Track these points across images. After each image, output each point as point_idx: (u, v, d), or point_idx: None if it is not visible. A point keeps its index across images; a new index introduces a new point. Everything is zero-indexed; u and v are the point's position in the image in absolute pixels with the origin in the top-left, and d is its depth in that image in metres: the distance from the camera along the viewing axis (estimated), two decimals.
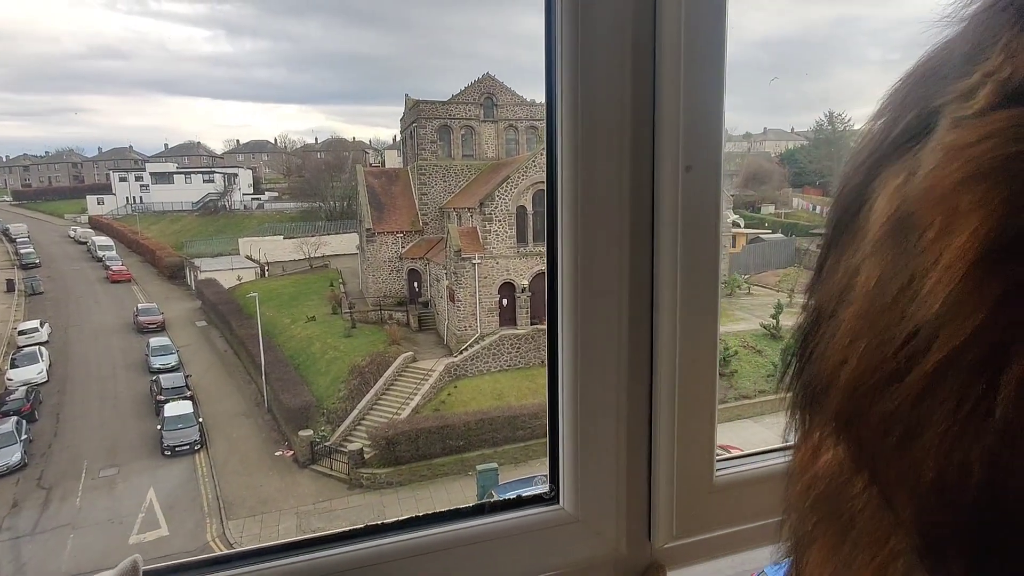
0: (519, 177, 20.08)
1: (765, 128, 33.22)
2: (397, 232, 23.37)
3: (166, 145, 37.36)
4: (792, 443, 0.70)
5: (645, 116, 1.02)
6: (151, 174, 33.84)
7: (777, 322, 18.19)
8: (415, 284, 22.94)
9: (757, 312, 19.72)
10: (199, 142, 38.21)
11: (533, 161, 20.01)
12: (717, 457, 1.13)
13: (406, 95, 24.90)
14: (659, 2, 0.99)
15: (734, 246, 23.89)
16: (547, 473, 1.14)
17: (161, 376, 18.03)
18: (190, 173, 34.26)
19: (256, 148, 39.21)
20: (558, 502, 1.10)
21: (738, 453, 1.19)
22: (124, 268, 26.67)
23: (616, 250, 1.02)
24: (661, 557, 1.14)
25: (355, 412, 16.96)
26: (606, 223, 1.02)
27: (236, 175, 34.26)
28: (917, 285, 0.40)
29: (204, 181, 33.64)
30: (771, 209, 28.68)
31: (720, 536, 1.15)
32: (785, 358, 0.67)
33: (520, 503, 1.10)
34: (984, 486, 0.38)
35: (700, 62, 1.00)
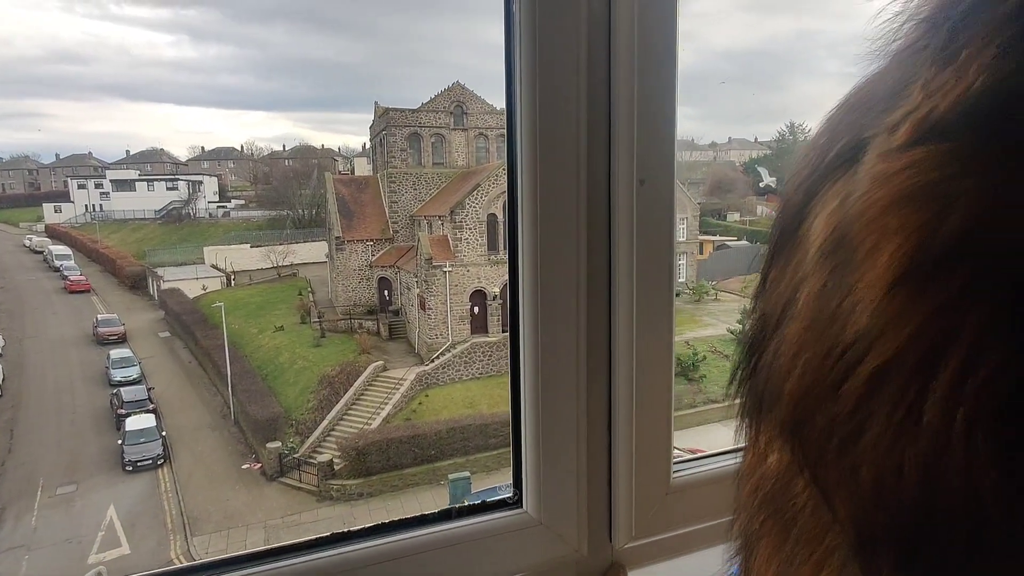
0: (489, 185, 20.15)
1: (730, 138, 34.03)
2: (367, 240, 23.19)
3: (127, 152, 36.37)
4: (742, 446, 0.76)
5: (602, 131, 1.06)
6: (112, 181, 32.91)
7: (744, 327, 18.59)
8: (385, 292, 22.77)
9: (723, 318, 20.13)
10: (162, 149, 37.33)
11: (503, 169, 20.08)
12: (674, 459, 1.18)
13: (375, 102, 24.81)
14: (613, 20, 1.04)
15: (701, 253, 24.36)
16: (511, 481, 1.17)
17: (122, 389, 17.49)
18: (153, 180, 33.41)
19: (222, 155, 38.46)
20: (521, 506, 1.12)
21: (693, 455, 1.23)
22: (83, 278, 25.84)
23: (575, 261, 1.06)
24: (622, 557, 1.18)
25: (325, 423, 16.72)
26: (565, 235, 1.06)
27: (201, 182, 33.54)
28: (851, 300, 0.45)
29: (167, 189, 32.84)
30: (736, 216, 29.36)
31: (678, 536, 1.20)
32: (733, 365, 0.72)
33: (485, 508, 1.13)
34: (915, 487, 0.42)
35: (652, 80, 1.05)
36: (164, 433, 16.00)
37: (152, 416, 16.52)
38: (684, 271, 22.40)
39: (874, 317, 0.43)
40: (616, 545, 1.17)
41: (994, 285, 0.39)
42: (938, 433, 0.40)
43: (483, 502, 1.12)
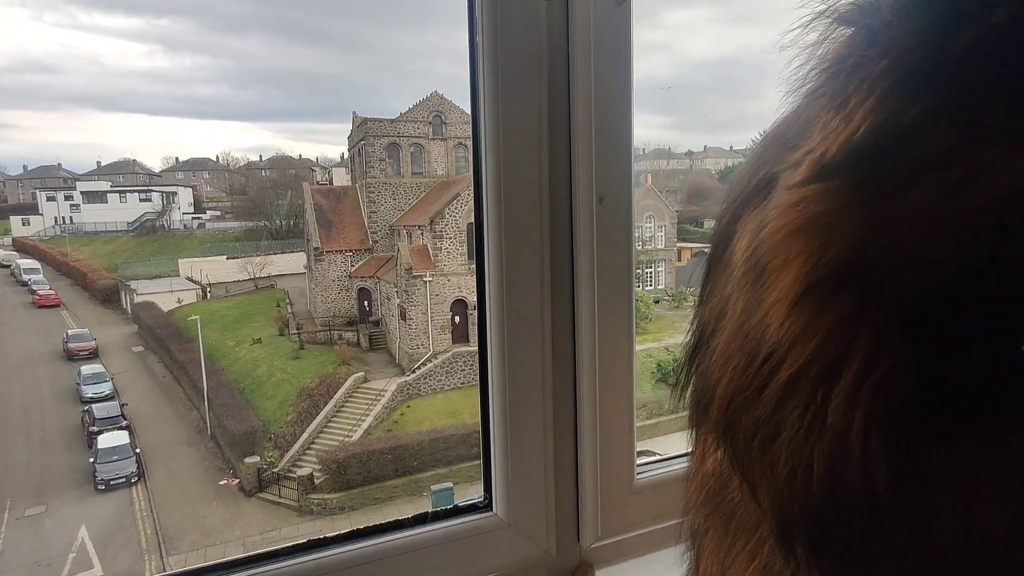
0: (469, 194, 20.18)
1: (705, 146, 34.58)
2: (346, 251, 23.05)
3: (99, 163, 35.67)
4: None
5: (563, 151, 1.13)
6: (82, 193, 32.21)
7: (687, 336, 18.82)
8: (365, 303, 22.62)
9: None
10: (135, 159, 36.64)
11: None
12: (637, 462, 1.24)
13: (353, 113, 24.75)
14: (571, 43, 1.10)
15: (680, 260, 24.67)
16: (482, 486, 1.22)
17: (94, 406, 17.06)
18: (125, 192, 32.78)
19: (197, 166, 37.92)
20: (492, 509, 1.17)
21: (656, 457, 1.30)
22: (52, 292, 25.22)
23: (539, 274, 1.12)
24: (590, 557, 1.23)
25: (304, 436, 16.50)
26: (529, 249, 1.11)
27: (175, 193, 33.00)
28: (765, 316, 0.52)
29: (140, 200, 32.23)
30: (714, 223, 29.70)
31: (643, 534, 1.25)
32: (678, 372, 0.79)
33: (458, 511, 1.17)
34: (822, 481, 0.48)
35: (609, 102, 1.11)
36: (138, 450, 15.65)
37: (125, 433, 16.13)
38: (663, 278, 22.64)
39: (783, 331, 0.50)
40: (584, 545, 1.22)
41: (883, 301, 0.46)
42: (840, 433, 0.46)
43: (455, 506, 1.17)
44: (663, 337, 18.81)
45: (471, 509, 1.17)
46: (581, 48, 1.08)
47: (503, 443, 1.14)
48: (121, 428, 16.32)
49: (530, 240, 1.10)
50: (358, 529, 1.11)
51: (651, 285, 21.59)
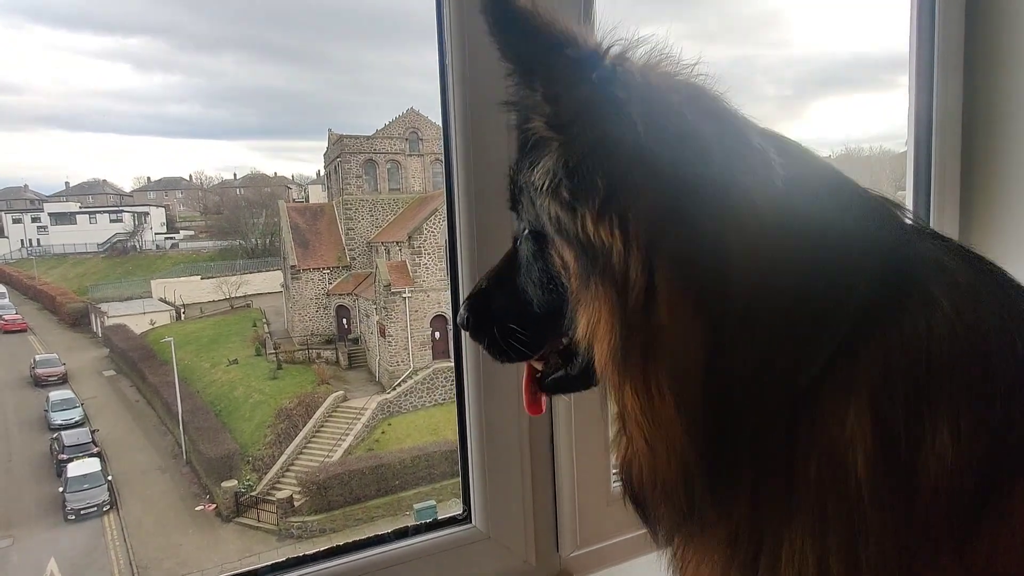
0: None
1: None
2: (323, 268, 22.85)
3: (67, 184, 34.93)
4: None
5: None
6: (50, 215, 31.48)
7: None
8: (344, 321, 22.40)
9: None
10: (105, 180, 35.98)
11: None
12: (613, 471, 1.26)
13: (329, 130, 24.68)
14: None
15: None
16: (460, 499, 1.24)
17: (63, 433, 16.55)
18: (95, 213, 32.12)
19: (169, 185, 37.37)
20: (471, 521, 1.19)
21: None
22: (18, 317, 24.51)
23: None
24: (569, 566, 1.25)
25: (283, 458, 16.21)
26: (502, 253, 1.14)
27: (147, 214, 32.46)
28: None
29: (111, 221, 31.62)
30: None
31: (620, 542, 1.28)
32: None
33: (438, 525, 1.19)
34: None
35: None
36: (110, 478, 15.19)
37: (96, 460, 15.65)
38: None
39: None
40: (563, 554, 1.24)
41: None
42: None
43: (435, 520, 1.18)
44: None
45: (451, 522, 1.18)
46: None
47: (480, 456, 1.16)
48: (92, 455, 15.84)
49: (502, 246, 1.13)
50: (339, 545, 1.12)
51: None
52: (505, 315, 0.83)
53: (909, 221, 0.74)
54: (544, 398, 0.89)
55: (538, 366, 0.87)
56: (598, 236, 0.65)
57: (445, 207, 1.17)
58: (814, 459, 0.62)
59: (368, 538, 1.13)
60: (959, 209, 1.69)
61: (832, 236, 0.67)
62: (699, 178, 0.64)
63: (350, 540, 1.13)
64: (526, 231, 0.78)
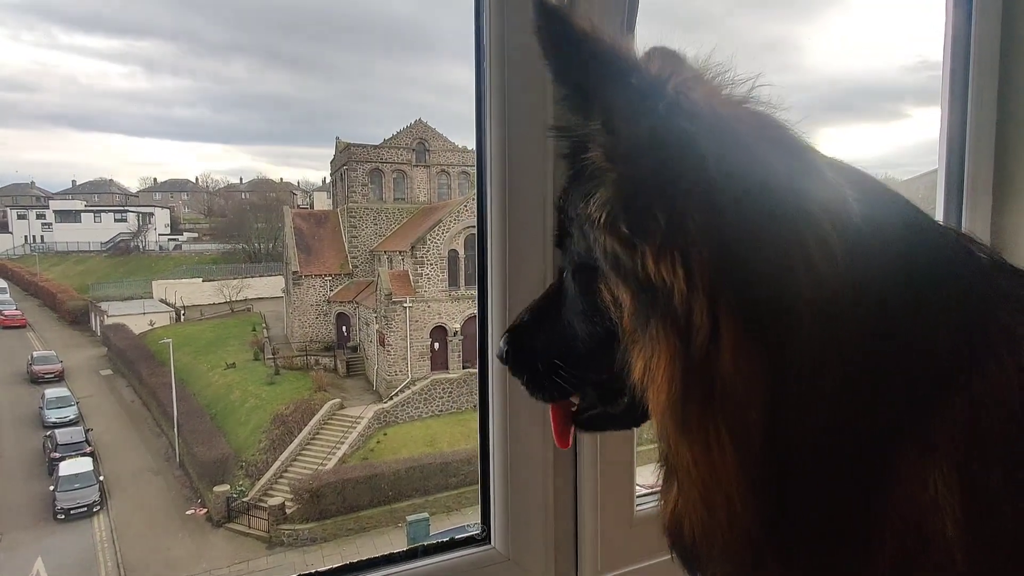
0: (451, 221, 20.26)
1: None
2: (325, 275, 22.86)
3: (74, 182, 35.13)
4: None
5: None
6: (55, 212, 31.58)
7: None
8: (343, 328, 22.36)
9: None
10: (111, 179, 36.17)
11: (465, 205, 20.28)
12: (637, 493, 1.22)
13: (337, 138, 24.84)
14: None
15: None
16: (479, 518, 1.19)
17: (57, 431, 16.44)
18: (100, 211, 32.24)
19: (175, 187, 37.55)
20: (490, 542, 1.14)
21: (656, 488, 1.28)
22: (18, 313, 24.49)
23: None
24: None
25: (277, 464, 16.08)
26: (533, 274, 1.11)
27: (152, 214, 32.57)
28: None
29: (116, 220, 31.72)
30: None
31: (643, 568, 1.23)
32: None
33: (453, 545, 1.14)
34: None
35: None
36: (101, 478, 15.06)
37: (89, 460, 15.53)
38: None
39: None
40: None
41: None
42: None
43: (451, 539, 1.14)
44: None
45: (469, 542, 1.14)
46: None
47: (503, 472, 1.12)
48: (85, 454, 15.73)
49: (535, 264, 1.10)
50: (349, 563, 1.07)
51: None
52: (548, 350, 0.80)
53: (984, 256, 0.68)
54: (573, 430, 0.85)
55: (574, 399, 0.84)
56: (659, 275, 0.60)
57: (476, 210, 1.14)
58: (891, 528, 0.57)
59: (379, 557, 1.08)
60: (990, 230, 1.66)
61: (912, 280, 0.62)
62: (769, 216, 0.60)
63: (359, 559, 1.08)
64: (574, 264, 0.75)
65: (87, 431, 16.91)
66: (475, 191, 1.16)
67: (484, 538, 1.15)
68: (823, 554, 0.62)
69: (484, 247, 1.12)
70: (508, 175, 1.09)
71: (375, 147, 23.37)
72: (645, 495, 1.26)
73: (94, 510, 14.08)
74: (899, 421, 0.59)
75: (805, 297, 0.59)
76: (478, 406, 1.18)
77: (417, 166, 23.42)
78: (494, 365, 1.13)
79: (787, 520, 0.61)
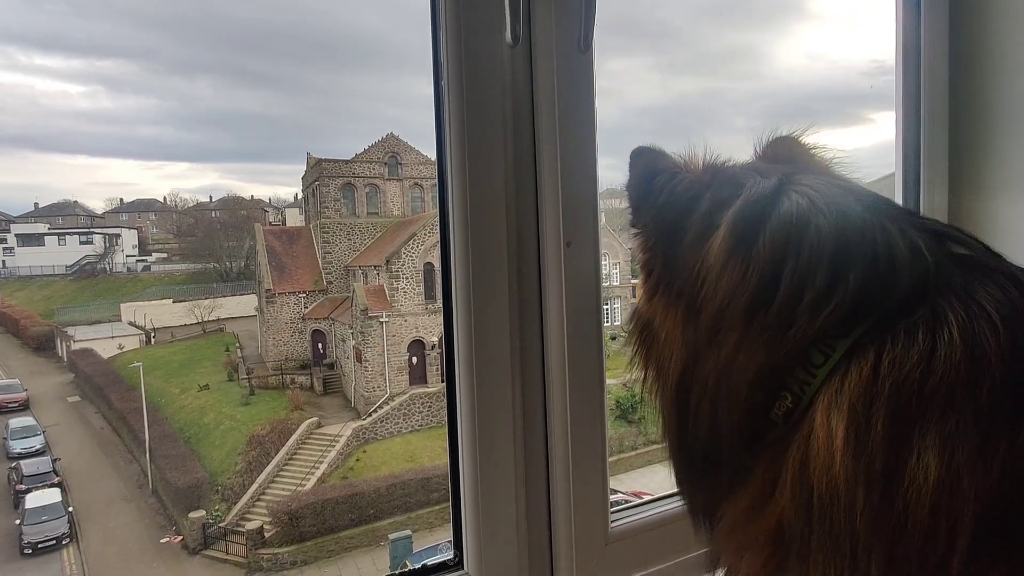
0: (426, 234, 20.18)
1: None
2: (299, 292, 22.55)
3: (36, 204, 34.16)
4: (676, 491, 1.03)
5: (529, 197, 1.12)
6: (17, 236, 30.65)
7: None
8: (319, 345, 22.05)
9: None
10: (75, 201, 35.26)
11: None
12: (611, 508, 1.20)
13: (308, 153, 24.60)
14: (535, 94, 1.11)
15: (634, 296, 25.09)
16: (452, 542, 1.16)
17: (22, 462, 15.87)
18: (64, 234, 31.40)
19: (142, 207, 36.74)
20: (463, 567, 1.11)
21: (638, 499, 1.27)
22: None
23: (507, 318, 1.10)
24: None
25: (254, 487, 15.73)
26: (498, 291, 1.10)
27: (119, 236, 31.81)
28: None
29: (81, 243, 30.92)
30: None
31: None
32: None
33: (425, 572, 1.11)
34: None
35: (574, 148, 1.12)
36: (71, 509, 14.56)
37: (57, 490, 15.02)
38: (619, 314, 22.92)
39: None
40: None
41: None
42: None
43: (423, 566, 1.11)
44: (621, 374, 18.95)
45: (441, 568, 1.11)
46: (545, 94, 1.10)
47: (473, 495, 1.10)
48: (52, 485, 15.21)
49: (498, 281, 1.09)
50: None
51: (608, 322, 21.81)
52: None
53: (967, 241, 0.70)
54: None
55: None
56: None
57: (439, 226, 1.13)
58: (801, 435, 0.66)
59: None
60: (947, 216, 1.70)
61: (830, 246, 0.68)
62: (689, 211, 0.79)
63: None
64: None
65: (54, 461, 16.36)
66: (438, 205, 1.15)
67: (456, 563, 1.12)
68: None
69: (448, 261, 1.11)
70: (470, 190, 1.07)
71: (347, 162, 23.21)
72: (619, 510, 1.24)
73: (63, 543, 13.59)
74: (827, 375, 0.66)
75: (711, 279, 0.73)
76: (447, 425, 1.15)
77: (390, 180, 23.32)
78: (462, 380, 1.10)
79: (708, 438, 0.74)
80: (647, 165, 0.86)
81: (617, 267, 23.05)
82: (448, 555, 1.14)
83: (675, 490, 1.22)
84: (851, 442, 0.61)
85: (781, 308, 0.67)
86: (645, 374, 0.85)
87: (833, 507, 0.61)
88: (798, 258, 0.68)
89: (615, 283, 22.39)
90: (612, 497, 1.27)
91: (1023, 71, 1.57)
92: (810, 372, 0.66)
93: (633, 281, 25.56)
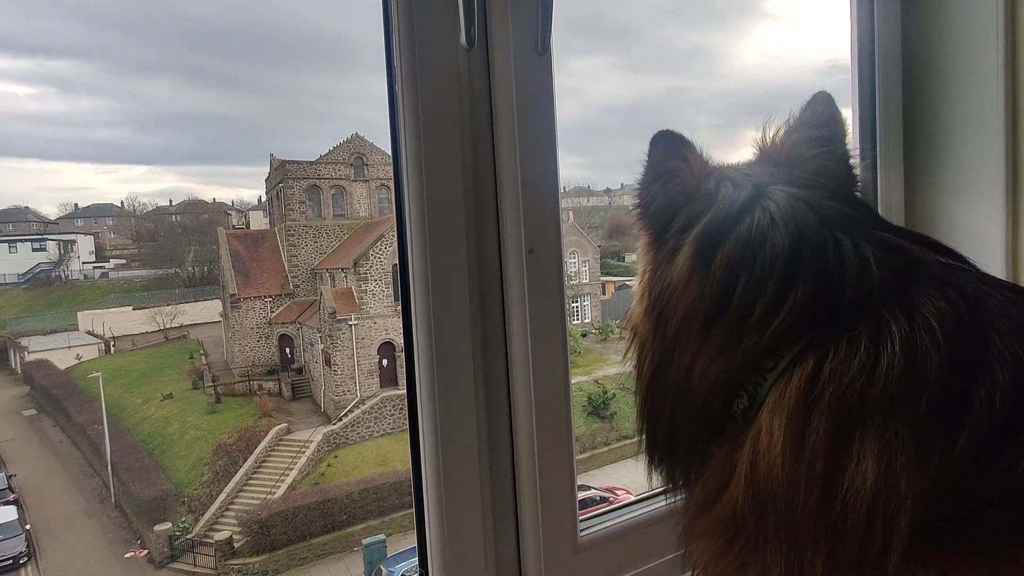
0: (394, 235, 19.89)
1: (622, 184, 36.05)
2: (265, 296, 22.10)
3: None
4: (645, 496, 1.07)
5: (489, 200, 1.10)
6: None
7: None
8: (287, 350, 21.66)
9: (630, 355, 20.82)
10: (27, 207, 33.94)
11: None
12: (580, 516, 1.19)
13: (271, 155, 24.12)
14: (493, 96, 1.09)
15: (604, 293, 25.29)
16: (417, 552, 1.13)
17: None
18: (15, 241, 30.21)
19: (98, 212, 35.53)
20: None
21: (598, 511, 1.25)
22: None
23: (468, 324, 1.07)
24: None
25: (222, 496, 15.38)
26: (457, 288, 1.06)
27: (74, 242, 30.73)
28: None
29: (34, 250, 29.79)
30: (634, 257, 30.87)
31: None
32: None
33: None
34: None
35: (534, 152, 1.10)
36: (28, 526, 14.04)
37: (13, 508, 14.47)
38: (589, 312, 23.07)
39: None
40: None
41: None
42: None
43: None
44: (592, 370, 19.08)
45: None
46: (503, 98, 1.07)
47: (438, 509, 1.07)
48: (8, 503, 14.67)
49: (458, 286, 1.06)
50: None
51: (578, 319, 21.98)
52: None
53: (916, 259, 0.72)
54: None
55: None
56: None
57: (396, 232, 1.10)
58: (754, 434, 0.69)
59: None
60: (904, 223, 1.73)
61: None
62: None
63: None
64: None
65: (10, 477, 15.79)
66: (394, 208, 1.12)
67: None
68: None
69: (406, 266, 1.08)
70: (427, 195, 1.05)
71: (311, 163, 22.83)
72: (588, 517, 1.23)
73: (21, 562, 13.11)
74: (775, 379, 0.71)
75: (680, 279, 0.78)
76: (409, 432, 1.12)
77: (356, 181, 23.02)
78: (423, 387, 1.08)
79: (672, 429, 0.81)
80: (656, 163, 0.88)
81: (587, 264, 23.20)
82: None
83: (646, 492, 1.22)
84: (789, 448, 0.65)
85: (734, 322, 0.71)
86: (632, 370, 0.90)
87: (777, 506, 0.65)
88: (750, 274, 0.71)
89: (585, 280, 22.53)
90: (586, 493, 1.26)
91: (974, 71, 1.61)
92: (762, 375, 0.70)
93: (603, 278, 25.73)
